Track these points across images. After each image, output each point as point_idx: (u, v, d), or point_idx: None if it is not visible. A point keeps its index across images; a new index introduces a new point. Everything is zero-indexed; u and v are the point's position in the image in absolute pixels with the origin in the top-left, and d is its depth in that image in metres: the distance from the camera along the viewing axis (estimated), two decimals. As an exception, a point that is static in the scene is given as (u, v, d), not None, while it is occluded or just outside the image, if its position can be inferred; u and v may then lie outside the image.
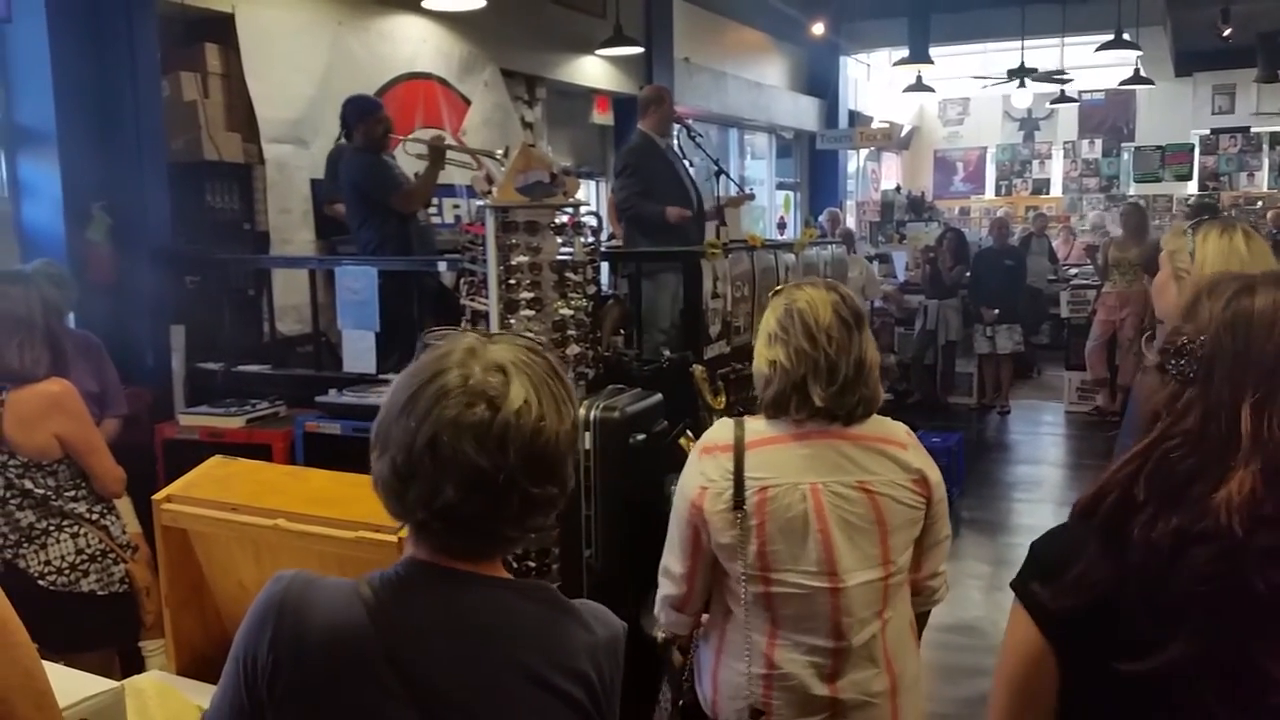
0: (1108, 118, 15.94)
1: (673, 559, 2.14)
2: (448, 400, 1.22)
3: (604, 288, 4.20)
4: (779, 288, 2.19)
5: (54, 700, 1.00)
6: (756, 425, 2.10)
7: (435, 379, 1.24)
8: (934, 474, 2.11)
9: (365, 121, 5.14)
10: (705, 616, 2.21)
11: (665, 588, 2.17)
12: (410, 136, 5.26)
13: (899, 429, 2.13)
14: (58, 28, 4.52)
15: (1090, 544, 1.19)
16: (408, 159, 5.21)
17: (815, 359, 2.02)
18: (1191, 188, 14.85)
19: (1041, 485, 7.57)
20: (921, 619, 2.28)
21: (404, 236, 5.09)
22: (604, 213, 6.96)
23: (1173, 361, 1.22)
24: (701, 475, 2.07)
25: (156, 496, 2.30)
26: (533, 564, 3.24)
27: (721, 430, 2.12)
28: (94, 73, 4.67)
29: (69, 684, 1.33)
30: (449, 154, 4.96)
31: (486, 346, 1.27)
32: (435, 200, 6.26)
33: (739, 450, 2.04)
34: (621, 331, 4.22)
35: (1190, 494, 1.14)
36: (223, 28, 5.66)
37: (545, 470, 1.24)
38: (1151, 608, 1.13)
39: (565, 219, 3.53)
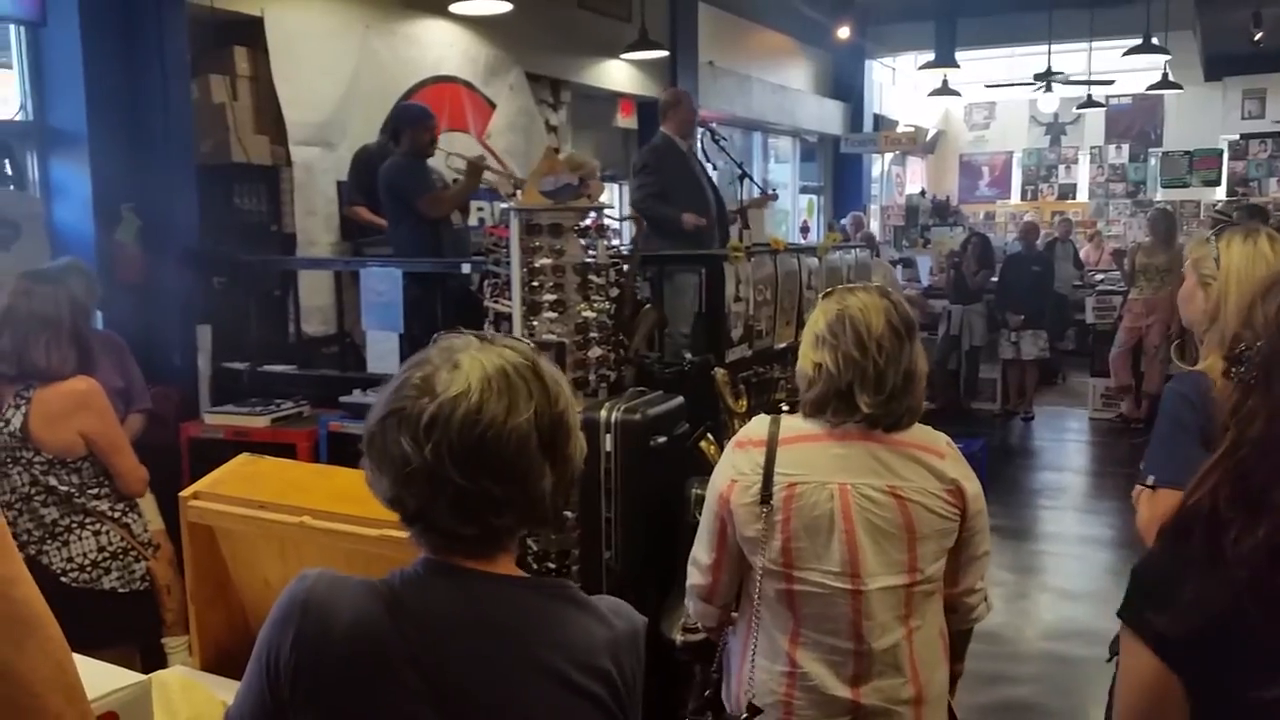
0: (1135, 122, 15.82)
1: (701, 549, 2.16)
2: (400, 395, 1.25)
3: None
4: (830, 290, 2.17)
5: (84, 693, 1.01)
6: (793, 422, 2.09)
7: (402, 374, 1.27)
8: (972, 486, 2.07)
9: (414, 127, 5.27)
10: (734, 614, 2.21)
11: (693, 577, 2.18)
12: (454, 151, 5.39)
13: (940, 438, 2.10)
14: (90, 31, 4.59)
15: (1196, 564, 1.16)
16: (449, 172, 5.34)
17: (864, 367, 2.00)
18: (1220, 193, 14.70)
19: (1066, 492, 7.53)
20: (964, 636, 2.25)
21: (435, 240, 5.14)
22: (626, 214, 6.97)
23: (1235, 369, 1.21)
24: (733, 468, 2.08)
25: (183, 494, 2.32)
26: (553, 565, 3.25)
27: (757, 425, 2.12)
28: (125, 75, 4.73)
29: (96, 677, 1.35)
30: (485, 174, 5.10)
31: (468, 348, 1.27)
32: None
33: (771, 445, 2.04)
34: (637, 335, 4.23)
35: (1270, 501, 1.11)
36: (252, 31, 5.71)
37: (479, 463, 1.21)
38: (1268, 625, 1.09)
39: (589, 222, 3.54)
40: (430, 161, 5.37)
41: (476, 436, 1.21)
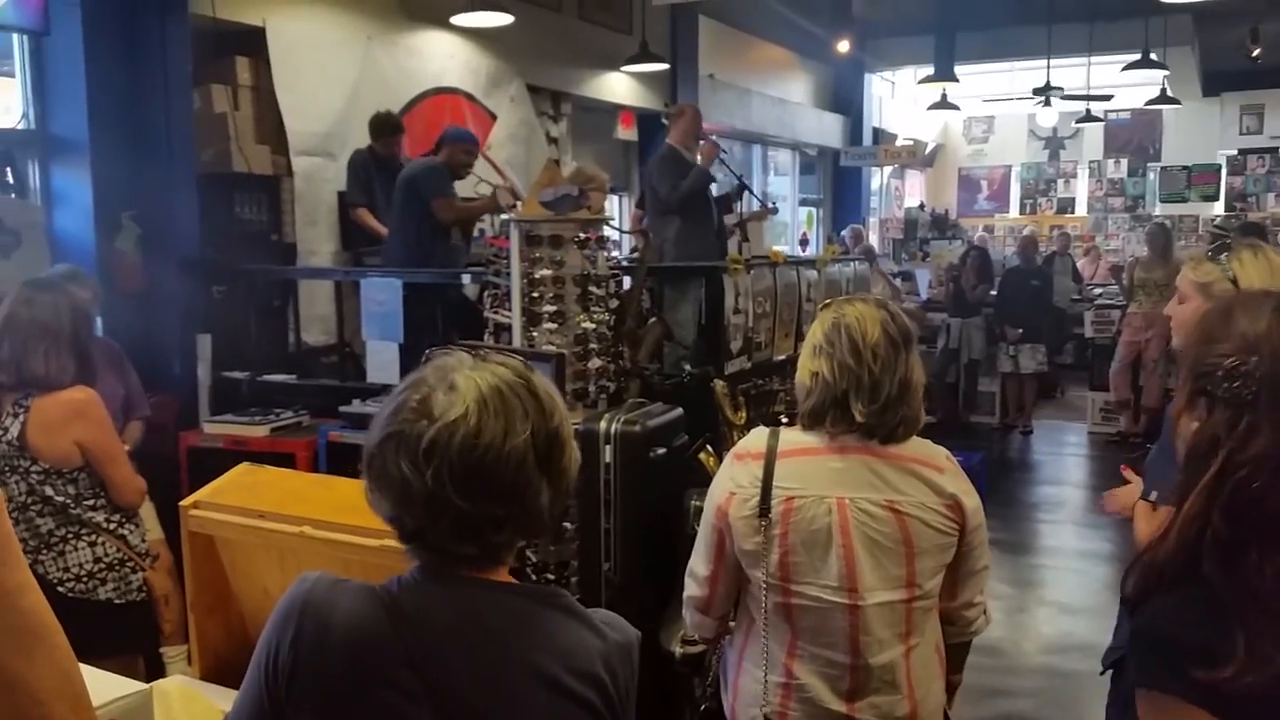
0: (1134, 137, 15.86)
1: (698, 561, 2.15)
2: (398, 418, 1.25)
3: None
4: (828, 301, 2.18)
5: (89, 703, 1.02)
6: (791, 435, 2.09)
7: (399, 396, 1.28)
8: (970, 501, 2.07)
9: (454, 146, 5.49)
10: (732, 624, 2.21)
11: (690, 589, 2.18)
12: (485, 179, 5.65)
13: (939, 452, 2.10)
14: (93, 40, 4.60)
15: (1231, 607, 1.08)
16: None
17: (859, 375, 2.01)
18: (1218, 208, 14.74)
19: (1064, 506, 7.52)
20: (961, 650, 2.25)
21: (429, 252, 5.18)
22: (627, 227, 7.02)
23: (1225, 386, 1.15)
24: (731, 480, 2.08)
25: (184, 503, 2.32)
26: (552, 576, 3.25)
27: (756, 438, 2.12)
28: (127, 84, 4.74)
29: (98, 685, 1.36)
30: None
31: (462, 368, 1.28)
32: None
33: (770, 459, 2.04)
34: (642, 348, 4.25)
35: None
36: (254, 41, 5.73)
37: (480, 486, 1.22)
38: None
39: (589, 233, 3.55)
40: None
41: (476, 460, 1.22)
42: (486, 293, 3.78)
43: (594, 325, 3.51)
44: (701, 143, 5.92)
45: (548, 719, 1.27)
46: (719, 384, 3.76)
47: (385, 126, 5.86)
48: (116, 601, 3.23)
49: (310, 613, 1.24)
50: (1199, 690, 1.07)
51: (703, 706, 2.39)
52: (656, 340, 3.96)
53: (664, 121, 6.36)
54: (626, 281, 3.94)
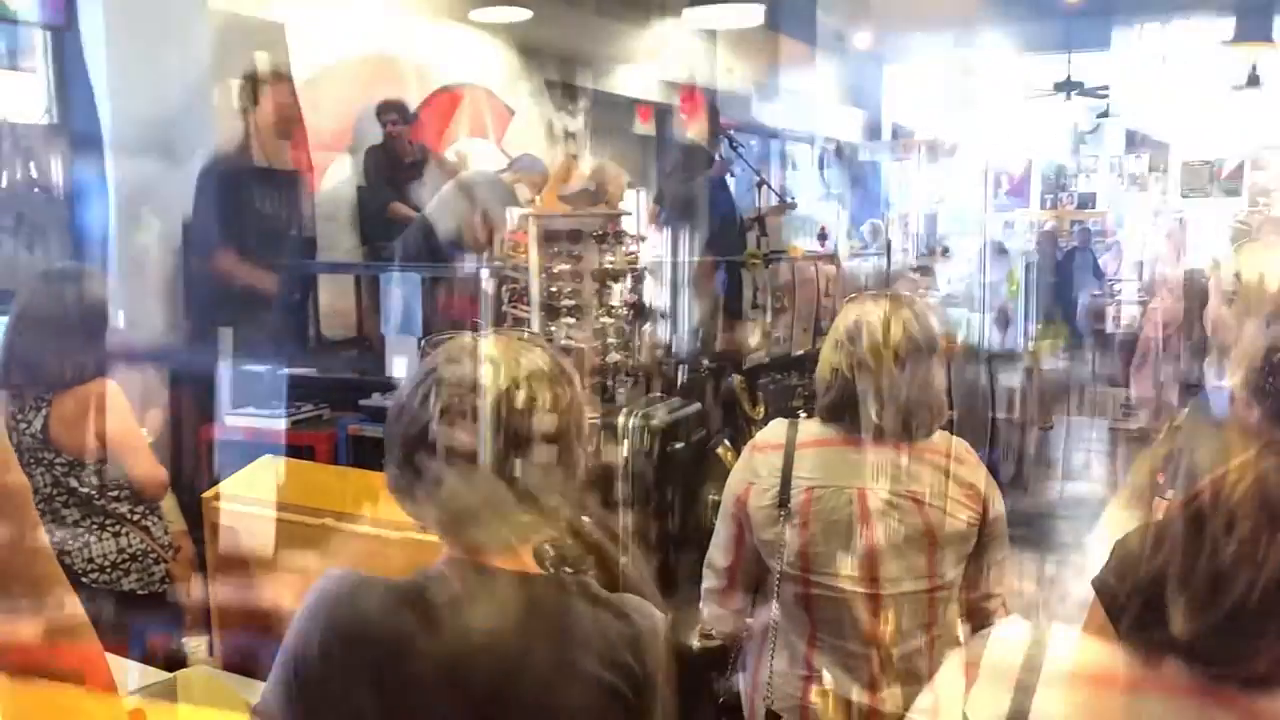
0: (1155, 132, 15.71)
1: (717, 552, 2.16)
2: (438, 394, 1.26)
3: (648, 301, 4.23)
4: (853, 295, 2.18)
5: (116, 692, 1.03)
6: (810, 427, 2.10)
7: (428, 376, 1.28)
8: (991, 491, 2.08)
9: (523, 175, 5.56)
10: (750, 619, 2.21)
11: (708, 580, 2.19)
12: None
13: (959, 444, 2.10)
14: (114, 36, 4.62)
15: (1168, 542, 1.18)
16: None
17: (878, 375, 2.00)
18: (1241, 204, 14.60)
19: (1084, 503, 7.48)
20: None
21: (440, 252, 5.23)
22: (644, 222, 7.02)
23: (1270, 380, 1.20)
24: (750, 471, 2.08)
25: (206, 494, 2.34)
26: (569, 570, 3.25)
27: (774, 429, 2.12)
28: (147, 79, 4.77)
29: (124, 674, 1.37)
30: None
31: (494, 345, 1.31)
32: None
33: (789, 450, 2.05)
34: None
35: None
36: (273, 36, 5.75)
37: (529, 454, 1.26)
38: (1235, 618, 1.11)
39: (608, 228, 3.55)
40: None
41: (528, 427, 1.25)
42: (504, 287, 3.78)
43: (612, 320, 3.51)
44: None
45: (576, 707, 1.28)
46: (737, 379, 3.76)
47: (390, 110, 5.85)
48: (139, 592, 3.26)
49: (338, 607, 1.25)
50: (1101, 587, 1.25)
51: (721, 699, 2.39)
52: (660, 342, 3.97)
53: (683, 115, 6.38)
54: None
